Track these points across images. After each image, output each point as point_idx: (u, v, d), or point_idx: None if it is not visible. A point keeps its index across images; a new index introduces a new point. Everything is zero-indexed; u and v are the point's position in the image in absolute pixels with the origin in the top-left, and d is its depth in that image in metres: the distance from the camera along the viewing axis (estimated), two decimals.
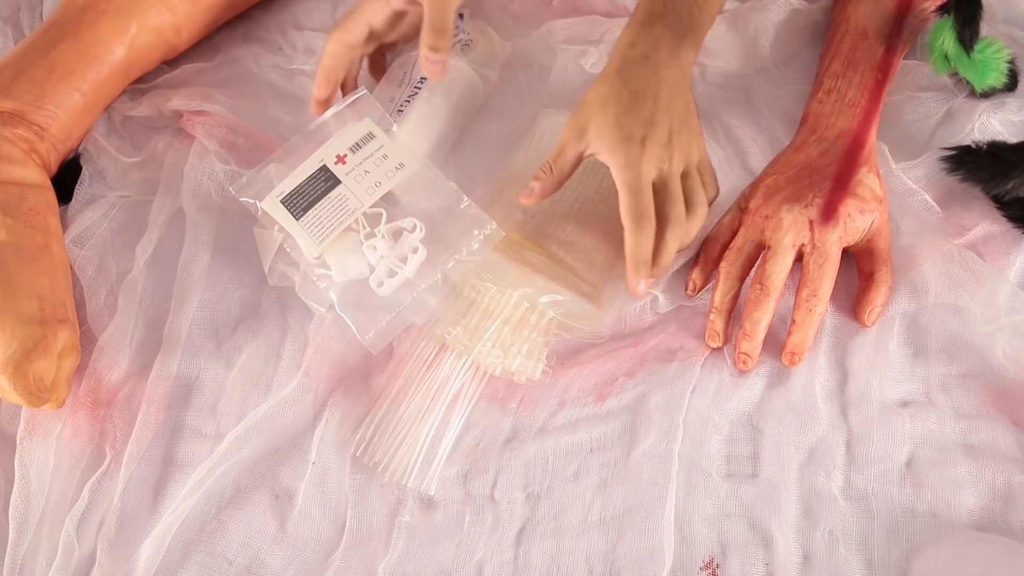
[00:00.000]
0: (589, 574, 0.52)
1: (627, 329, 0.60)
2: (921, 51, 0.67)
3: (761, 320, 0.56)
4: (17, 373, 0.55)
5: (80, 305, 0.63)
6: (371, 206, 0.59)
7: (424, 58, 0.60)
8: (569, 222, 0.63)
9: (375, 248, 0.59)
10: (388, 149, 0.60)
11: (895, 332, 0.57)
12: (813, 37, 0.71)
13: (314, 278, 0.59)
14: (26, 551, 0.55)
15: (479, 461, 0.56)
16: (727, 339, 0.58)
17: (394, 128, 0.62)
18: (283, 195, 0.59)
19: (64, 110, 0.66)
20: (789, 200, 0.57)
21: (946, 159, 0.61)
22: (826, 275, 0.55)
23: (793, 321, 0.56)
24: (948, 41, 0.62)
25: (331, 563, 0.54)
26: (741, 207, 0.60)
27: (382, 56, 0.71)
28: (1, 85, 0.64)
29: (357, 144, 0.60)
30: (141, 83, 0.74)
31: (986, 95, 0.64)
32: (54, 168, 0.67)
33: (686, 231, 0.57)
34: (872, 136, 0.60)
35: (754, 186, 0.60)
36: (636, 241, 0.56)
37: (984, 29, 0.61)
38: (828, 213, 0.56)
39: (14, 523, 0.55)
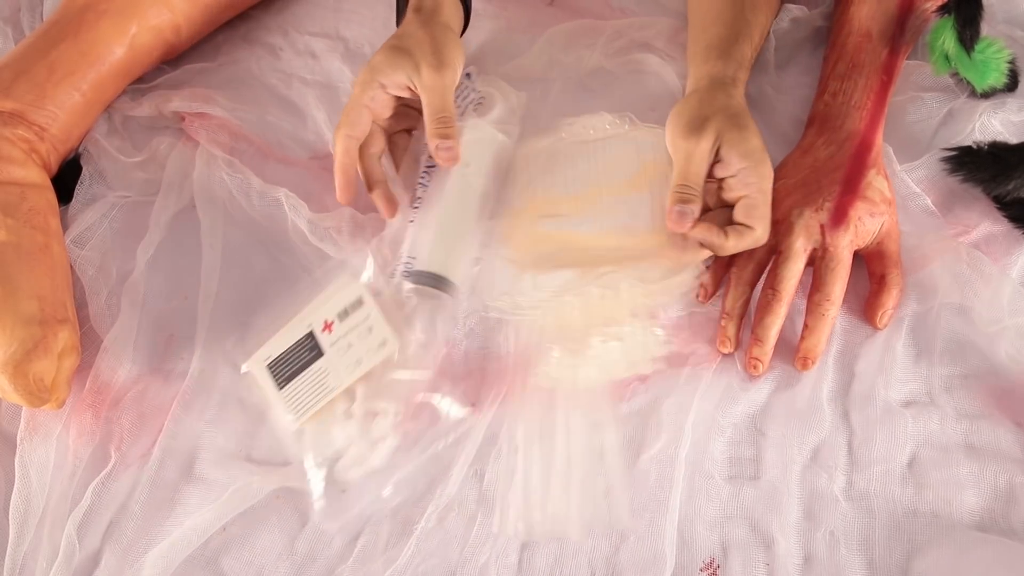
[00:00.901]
0: None
1: None
2: (922, 51, 0.66)
3: (773, 325, 0.56)
4: (17, 373, 0.55)
5: (81, 305, 0.63)
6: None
7: (434, 149, 0.58)
8: (584, 203, 0.61)
9: (345, 430, 0.55)
10: (374, 320, 0.56)
11: (904, 334, 0.57)
12: (815, 40, 0.71)
13: (292, 455, 0.56)
14: (26, 552, 0.55)
15: (497, 460, 0.56)
16: (739, 344, 0.58)
17: (368, 289, 0.57)
18: (270, 359, 0.57)
19: (64, 110, 0.66)
20: (799, 204, 0.57)
21: (947, 160, 0.61)
22: (838, 279, 0.55)
23: (806, 326, 0.56)
24: (949, 41, 0.62)
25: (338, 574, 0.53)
26: None
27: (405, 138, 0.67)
28: (1, 85, 0.64)
29: (346, 310, 0.56)
30: (142, 83, 0.74)
31: (986, 95, 0.64)
32: (54, 168, 0.67)
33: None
34: (879, 138, 0.60)
35: None
36: (748, 245, 0.56)
37: (985, 29, 0.61)
38: (839, 217, 0.56)
39: (14, 523, 0.55)
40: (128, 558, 0.54)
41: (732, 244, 0.55)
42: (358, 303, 0.56)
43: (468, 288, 0.60)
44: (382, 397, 0.56)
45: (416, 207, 0.61)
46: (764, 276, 0.58)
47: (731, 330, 0.57)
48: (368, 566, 0.53)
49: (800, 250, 0.56)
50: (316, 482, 0.54)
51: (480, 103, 0.64)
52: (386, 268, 0.60)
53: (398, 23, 0.66)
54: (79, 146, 0.70)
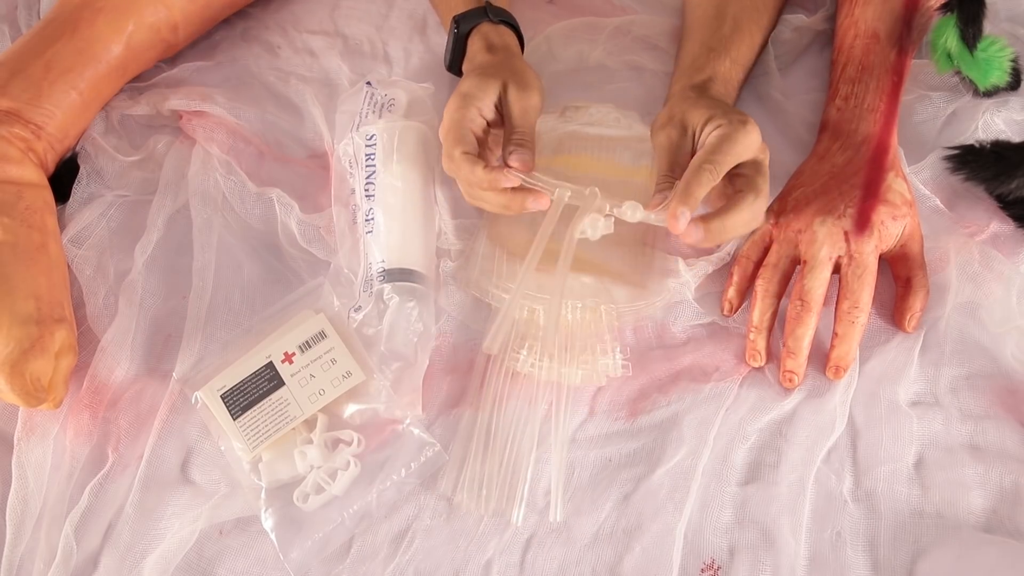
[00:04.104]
0: None
1: (660, 342, 0.59)
2: (924, 50, 0.66)
3: (804, 336, 0.55)
4: (14, 373, 0.54)
5: (78, 305, 0.62)
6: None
7: (507, 155, 0.57)
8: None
9: (306, 456, 0.55)
10: (337, 353, 0.57)
11: (923, 335, 0.57)
12: (820, 42, 0.71)
13: (245, 483, 0.55)
14: (23, 553, 0.54)
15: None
16: (769, 358, 0.57)
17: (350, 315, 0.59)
18: (224, 389, 0.56)
19: (61, 109, 0.65)
20: (821, 212, 0.56)
21: (950, 158, 0.60)
22: (865, 285, 0.55)
23: (836, 334, 0.55)
24: (951, 39, 0.61)
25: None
26: (771, 222, 0.59)
27: None
28: None
29: (307, 343, 0.57)
30: (139, 81, 0.73)
31: (989, 94, 0.64)
32: (51, 167, 0.67)
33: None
34: (894, 140, 0.59)
35: (782, 199, 0.59)
36: (753, 210, 0.54)
37: (987, 27, 0.61)
38: (862, 223, 0.55)
39: (11, 525, 0.55)
40: (127, 562, 0.53)
41: (731, 219, 0.53)
42: (320, 336, 0.58)
43: (437, 274, 0.62)
44: (344, 426, 0.56)
45: (369, 219, 0.61)
46: (791, 288, 0.57)
47: (760, 344, 0.57)
48: (366, 565, 0.53)
49: (825, 259, 0.55)
50: (267, 514, 0.54)
51: (392, 104, 0.66)
52: (352, 288, 0.61)
53: (453, 63, 0.69)
54: (76, 145, 0.69)
